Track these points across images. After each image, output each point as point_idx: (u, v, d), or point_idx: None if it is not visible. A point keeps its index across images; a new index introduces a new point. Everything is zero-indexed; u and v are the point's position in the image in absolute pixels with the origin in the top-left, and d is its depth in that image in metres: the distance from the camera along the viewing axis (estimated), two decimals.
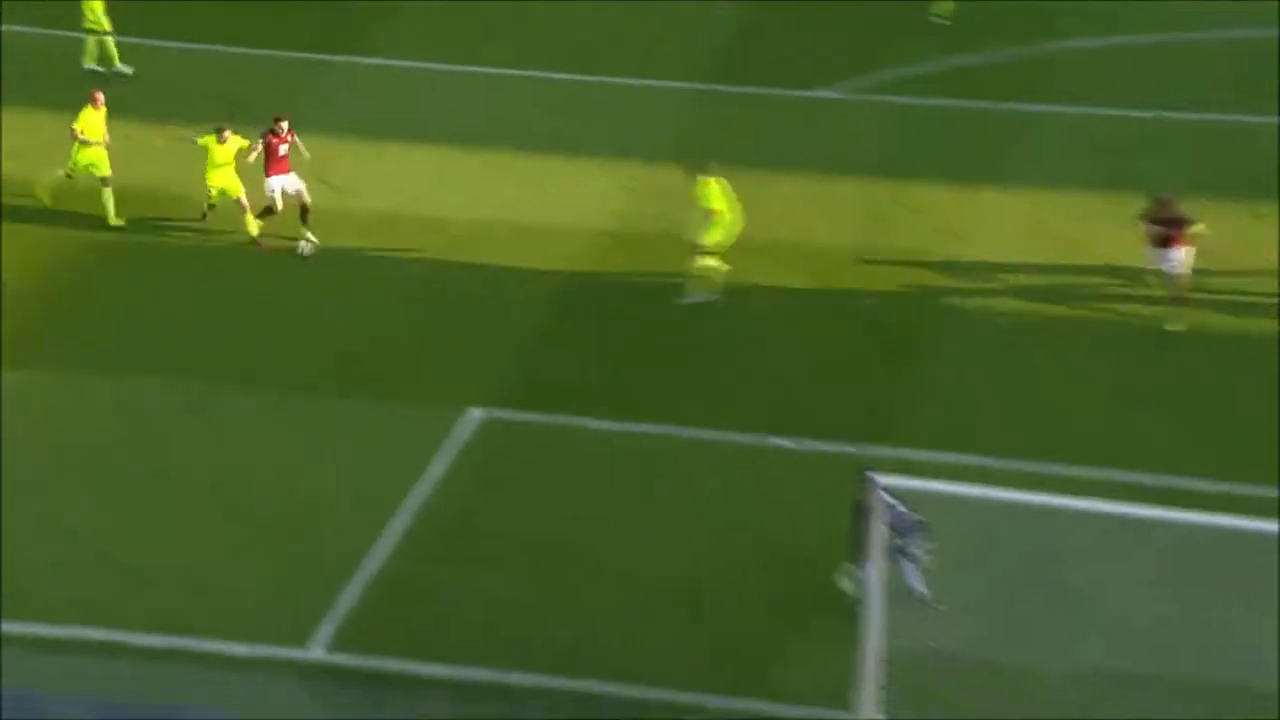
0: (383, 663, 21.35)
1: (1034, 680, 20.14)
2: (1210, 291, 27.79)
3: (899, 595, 20.05)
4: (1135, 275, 28.47)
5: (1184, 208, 27.28)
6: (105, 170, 29.83)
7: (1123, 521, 20.09)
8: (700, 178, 27.93)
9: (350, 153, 31.84)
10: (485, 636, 21.68)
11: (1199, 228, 27.14)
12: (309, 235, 29.18)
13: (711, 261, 27.76)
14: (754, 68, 34.94)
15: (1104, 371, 26.60)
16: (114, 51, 34.40)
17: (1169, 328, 27.18)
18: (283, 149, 29.22)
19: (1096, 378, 26.47)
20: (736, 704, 20.33)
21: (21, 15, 35.66)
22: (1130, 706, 19.58)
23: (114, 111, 30.33)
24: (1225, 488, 23.46)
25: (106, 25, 34.39)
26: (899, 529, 20.85)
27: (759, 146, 32.48)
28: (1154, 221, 27.44)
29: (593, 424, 25.59)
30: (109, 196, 29.80)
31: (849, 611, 20.12)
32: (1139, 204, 28.21)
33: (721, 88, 34.56)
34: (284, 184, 29.21)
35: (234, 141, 29.25)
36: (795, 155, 32.31)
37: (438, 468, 24.66)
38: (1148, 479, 23.57)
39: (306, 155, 29.56)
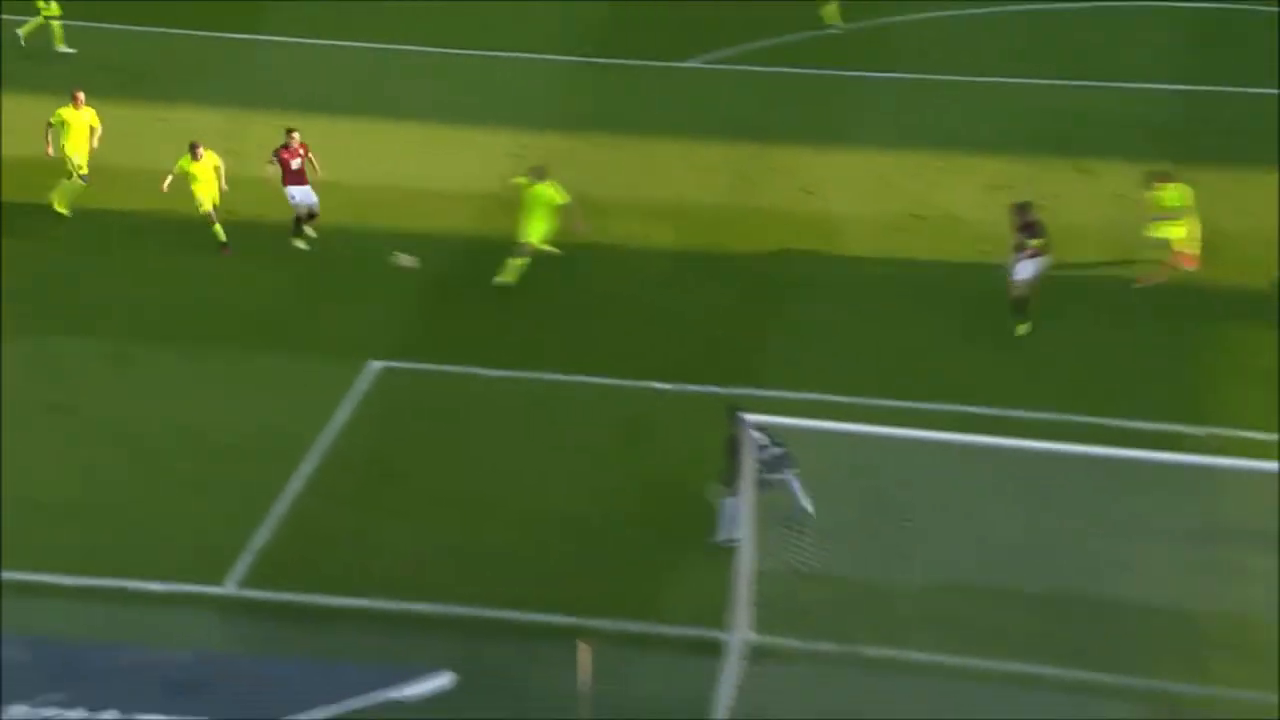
0: (293, 596, 21.25)
1: (889, 594, 20.32)
2: (991, 248, 27.96)
3: (768, 521, 20.21)
4: (974, 225, 28.81)
5: (1037, 216, 26.21)
6: (84, 169, 28.91)
7: (965, 449, 20.44)
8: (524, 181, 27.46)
9: (256, 123, 31.51)
10: (390, 569, 21.58)
11: (1037, 242, 25.97)
12: (309, 231, 28.43)
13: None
14: (627, 41, 34.94)
15: (946, 315, 26.82)
16: (60, 33, 33.94)
17: (1018, 333, 26.01)
18: (295, 163, 28.16)
19: (940, 321, 26.68)
20: (623, 625, 20.41)
21: None
22: (976, 614, 19.87)
23: (33, 88, 29.87)
24: (1054, 416, 23.81)
25: (56, 10, 34.05)
26: (771, 459, 21.01)
27: (633, 115, 32.51)
28: (1018, 229, 26.06)
29: (485, 373, 25.53)
30: (70, 189, 28.92)
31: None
32: (975, 161, 28.55)
33: (598, 60, 34.58)
34: (302, 193, 28.22)
35: (209, 157, 28.00)
36: (666, 122, 32.37)
37: (342, 415, 24.52)
38: (989, 411, 23.82)
39: (319, 172, 28.39)
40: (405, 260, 24.87)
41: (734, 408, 20.70)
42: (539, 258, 27.20)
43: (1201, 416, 23.98)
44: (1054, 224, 28.65)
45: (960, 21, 35.74)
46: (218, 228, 28.05)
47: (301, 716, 16.30)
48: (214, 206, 28.04)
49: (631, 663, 19.81)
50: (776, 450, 21.14)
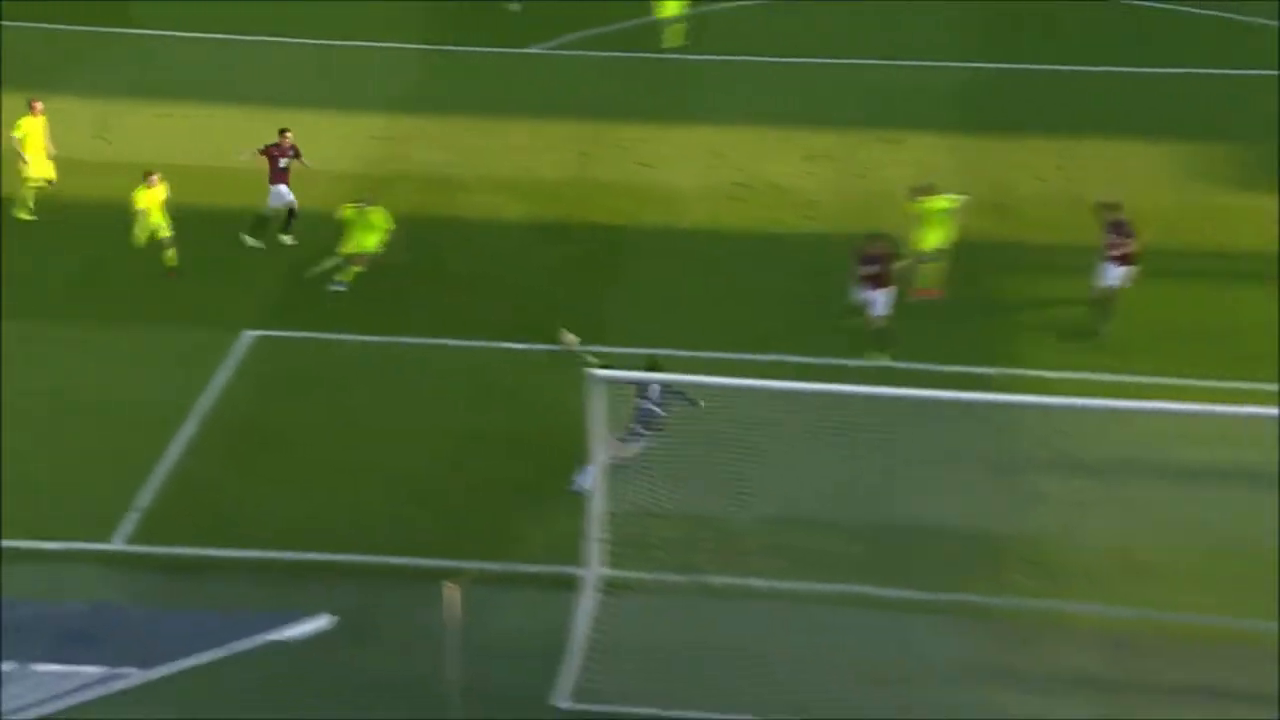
0: (178, 550, 21.01)
1: (731, 528, 20.52)
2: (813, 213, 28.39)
3: (618, 466, 20.35)
4: (796, 193, 29.11)
5: (890, 246, 24.88)
6: (50, 175, 27.52)
7: (792, 395, 20.72)
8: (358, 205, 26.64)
9: (122, 111, 30.93)
10: (268, 523, 21.40)
11: (905, 263, 25.15)
12: (288, 238, 27.52)
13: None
14: (474, 31, 34.75)
15: (773, 276, 27.07)
16: None
17: (868, 360, 24.49)
18: (283, 161, 27.17)
19: (768, 281, 26.94)
20: (488, 565, 20.44)
21: None
22: (807, 543, 20.16)
23: None
24: (874, 364, 24.19)
25: None
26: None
27: (481, 98, 32.36)
28: (863, 260, 24.61)
29: (352, 338, 25.35)
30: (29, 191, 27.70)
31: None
32: (796, 135, 28.84)
33: (449, 47, 34.37)
34: (283, 192, 27.22)
35: (161, 188, 26.43)
36: (513, 104, 32.25)
37: (219, 382, 24.25)
38: (811, 360, 24.10)
39: (310, 165, 27.38)
40: (570, 339, 23.50)
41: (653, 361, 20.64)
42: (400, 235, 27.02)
43: (1000, 360, 24.46)
44: (865, 190, 29.23)
45: (778, 8, 35.95)
46: (171, 253, 26.54)
47: (190, 660, 16.17)
48: (165, 236, 26.46)
49: (497, 600, 19.83)
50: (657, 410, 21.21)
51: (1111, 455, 21.17)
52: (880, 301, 24.51)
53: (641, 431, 21.39)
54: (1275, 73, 32.39)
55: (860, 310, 24.66)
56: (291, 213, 27.35)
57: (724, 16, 35.17)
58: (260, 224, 27.43)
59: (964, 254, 27.02)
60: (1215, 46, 33.32)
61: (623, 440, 20.98)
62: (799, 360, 23.98)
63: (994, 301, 26.10)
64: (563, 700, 18.92)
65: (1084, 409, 20.81)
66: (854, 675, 18.80)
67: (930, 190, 25.64)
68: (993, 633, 19.50)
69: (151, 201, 26.59)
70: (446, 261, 27.24)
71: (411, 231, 27.24)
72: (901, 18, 35.11)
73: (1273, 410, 20.57)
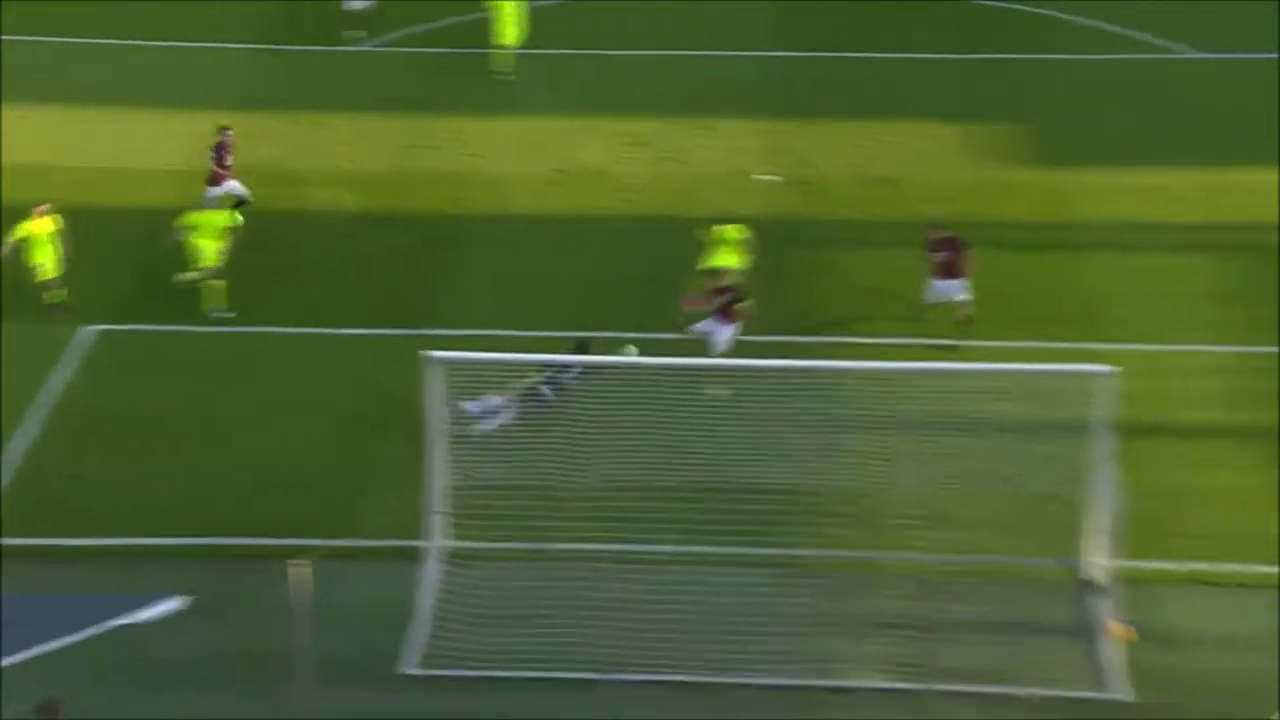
0: (30, 541, 20.35)
1: (564, 495, 20.41)
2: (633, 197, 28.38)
3: (457, 443, 20.16)
4: (616, 177, 29.06)
5: (731, 283, 23.92)
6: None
7: (618, 370, 20.67)
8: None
9: None
10: (119, 509, 20.91)
11: (748, 304, 23.55)
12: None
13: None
14: (300, 30, 34.05)
15: (595, 256, 26.95)
16: None
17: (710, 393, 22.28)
18: (229, 160, 26.53)
19: (590, 261, 26.82)
20: (337, 542, 20.10)
21: None
22: (641, 508, 20.14)
23: None
24: (691, 338, 24.27)
25: None
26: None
27: (312, 94, 31.75)
28: (715, 291, 23.39)
29: (196, 330, 24.78)
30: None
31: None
32: (614, 123, 28.82)
33: (276, 46, 33.63)
34: (234, 185, 26.57)
35: (49, 220, 24.68)
36: (343, 100, 31.68)
37: (62, 376, 23.53)
38: (636, 335, 24.04)
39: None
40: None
41: (422, 347, 20.39)
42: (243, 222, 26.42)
43: (812, 328, 24.68)
44: (682, 174, 29.27)
45: (590, 5, 35.76)
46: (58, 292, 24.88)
47: (45, 647, 15.70)
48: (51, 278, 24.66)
49: (347, 575, 19.57)
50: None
51: (916, 413, 21.49)
52: (722, 337, 23.17)
53: (521, 406, 21.14)
54: (1057, 56, 33.07)
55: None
56: (241, 202, 26.78)
57: (541, 12, 34.86)
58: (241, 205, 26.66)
59: (775, 230, 27.25)
60: (1000, 34, 33.86)
61: (494, 408, 20.68)
62: (627, 336, 23.91)
63: (804, 274, 26.30)
64: (411, 667, 18.71)
65: (888, 371, 21.12)
66: (687, 629, 18.89)
67: (724, 220, 25.05)
68: (814, 583, 19.68)
69: (38, 232, 24.69)
70: (285, 252, 26.72)
71: (253, 226, 26.61)
72: (708, 11, 35.11)
73: (1057, 366, 21.12)
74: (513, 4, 32.23)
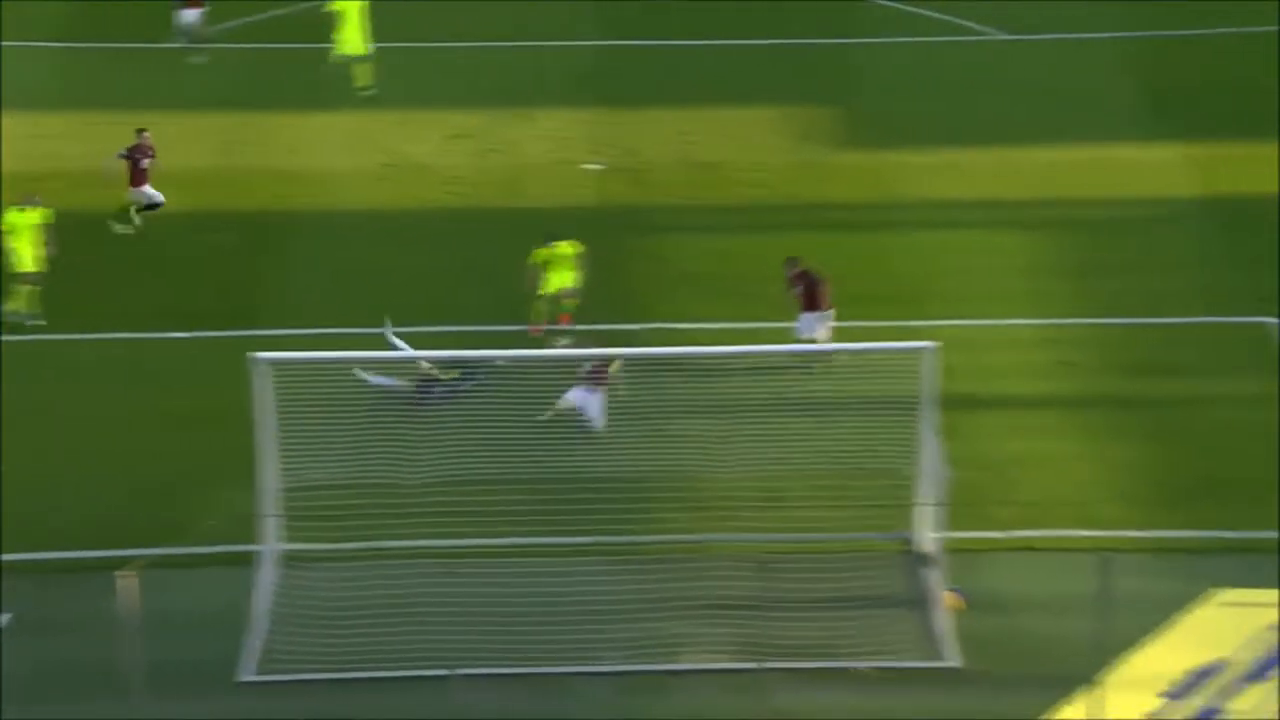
0: None
1: (399, 492, 20.29)
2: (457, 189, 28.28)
3: (288, 444, 19.88)
4: (440, 170, 28.85)
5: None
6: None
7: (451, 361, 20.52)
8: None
9: None
10: None
11: (614, 366, 22.18)
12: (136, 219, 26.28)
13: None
14: (107, 28, 33.22)
15: (422, 250, 26.73)
16: None
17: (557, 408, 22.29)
18: (145, 162, 25.90)
19: (418, 255, 26.60)
20: (168, 550, 19.69)
21: None
22: (477, 501, 20.05)
23: None
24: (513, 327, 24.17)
25: None
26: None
27: (126, 94, 30.98)
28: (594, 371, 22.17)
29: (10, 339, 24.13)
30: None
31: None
32: (438, 116, 28.70)
33: (87, 45, 32.80)
34: (148, 190, 26.01)
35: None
36: (158, 98, 30.95)
37: None
38: (468, 328, 23.89)
39: (161, 166, 26.44)
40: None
41: (248, 349, 20.06)
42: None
43: (640, 315, 24.75)
44: (505, 164, 29.16)
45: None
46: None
47: None
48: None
49: (181, 581, 19.19)
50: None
51: (744, 395, 21.71)
52: (593, 409, 22.11)
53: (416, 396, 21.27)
54: (873, 40, 33.57)
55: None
56: (152, 206, 26.29)
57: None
58: (125, 211, 26.29)
59: (602, 218, 27.32)
60: (817, 18, 34.24)
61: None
62: (456, 329, 23.79)
63: (630, 260, 26.39)
64: (246, 674, 18.41)
65: (716, 355, 21.31)
66: (527, 621, 18.85)
67: (556, 236, 24.36)
68: (650, 569, 19.78)
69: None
70: (105, 254, 26.03)
71: (71, 227, 25.91)
72: (526, 2, 35.01)
73: (882, 344, 21.50)
74: (358, 4, 30.79)
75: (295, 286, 25.73)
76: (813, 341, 22.11)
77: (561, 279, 24.09)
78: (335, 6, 30.71)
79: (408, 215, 27.77)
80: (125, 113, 30.07)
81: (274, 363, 19.59)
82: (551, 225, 25.71)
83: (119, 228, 26.46)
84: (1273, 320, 24.45)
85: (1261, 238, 26.60)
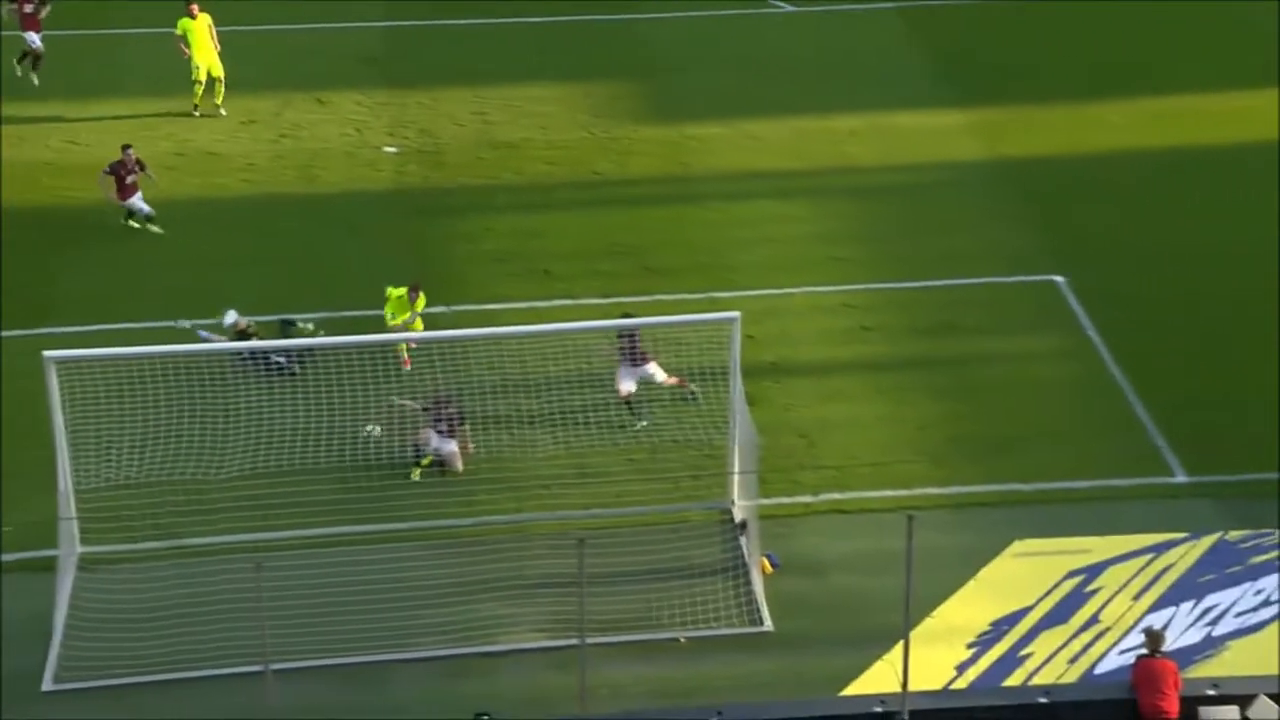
0: None
1: (206, 487, 19.88)
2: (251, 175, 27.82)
3: (85, 444, 19.22)
4: (231, 158, 28.18)
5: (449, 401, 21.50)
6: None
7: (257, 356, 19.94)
8: None
9: None
10: None
11: (466, 428, 21.04)
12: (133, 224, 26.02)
13: None
14: None
15: (215, 239, 26.06)
16: None
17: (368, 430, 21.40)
18: (130, 178, 25.52)
19: (213, 244, 25.95)
20: None
21: None
22: (277, 493, 19.65)
23: None
24: (350, 314, 23.79)
25: None
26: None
27: None
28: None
29: None
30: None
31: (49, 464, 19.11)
32: (228, 103, 27.95)
33: None
34: (136, 201, 25.79)
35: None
36: None
37: None
38: (262, 318, 23.37)
39: (155, 179, 26.36)
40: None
41: (39, 348, 19.31)
42: None
43: (448, 298, 24.49)
44: (298, 149, 28.57)
45: None
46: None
47: None
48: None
49: None
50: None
51: (555, 372, 21.64)
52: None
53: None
54: (666, 15, 33.66)
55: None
56: (150, 218, 25.97)
57: None
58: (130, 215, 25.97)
59: (401, 201, 26.96)
60: None
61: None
62: (258, 319, 23.26)
63: (431, 243, 26.10)
64: (47, 683, 17.79)
65: (523, 335, 21.19)
66: (342, 611, 18.53)
67: (419, 288, 22.81)
68: (466, 551, 19.61)
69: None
70: None
71: None
72: None
73: (686, 316, 21.61)
74: (202, 24, 29.14)
75: (85, 282, 24.87)
76: (625, 393, 21.52)
77: (401, 316, 22.43)
78: (183, 27, 29.17)
79: (200, 204, 27.02)
80: None
81: (66, 360, 18.94)
82: (350, 210, 25.36)
83: (133, 224, 26.19)
84: (1060, 278, 25.19)
85: (1047, 199, 27.38)
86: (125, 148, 26.25)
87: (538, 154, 28.55)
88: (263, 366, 21.65)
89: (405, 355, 22.16)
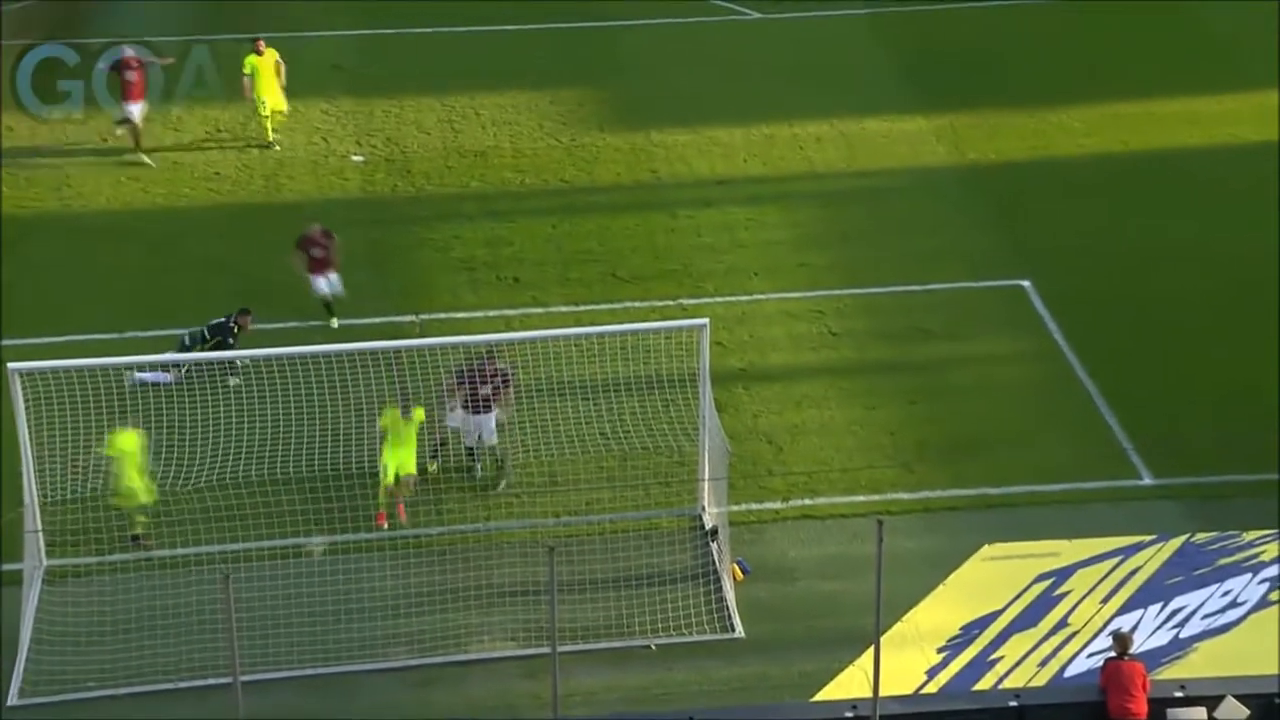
0: None
1: (172, 498, 19.74)
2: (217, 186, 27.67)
3: (48, 456, 19.07)
4: (196, 167, 28.02)
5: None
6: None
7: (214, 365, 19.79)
8: None
9: None
10: None
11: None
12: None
13: None
14: None
15: (181, 249, 25.93)
16: None
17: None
18: (130, 75, 26.06)
19: (177, 254, 25.79)
20: None
21: None
22: (247, 503, 19.55)
23: None
24: (294, 325, 23.66)
25: None
26: None
27: None
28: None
29: None
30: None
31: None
32: (194, 112, 27.80)
33: None
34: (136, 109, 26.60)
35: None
36: None
37: None
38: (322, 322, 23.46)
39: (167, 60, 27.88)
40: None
41: None
42: None
43: (414, 306, 24.42)
44: (265, 158, 28.38)
45: None
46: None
47: None
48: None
49: None
50: None
51: (524, 380, 21.57)
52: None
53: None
54: (636, 22, 33.66)
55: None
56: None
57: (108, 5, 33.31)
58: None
59: (368, 210, 26.86)
60: (572, 2, 34.21)
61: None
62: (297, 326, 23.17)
63: (398, 252, 26.01)
64: (13, 698, 17.63)
65: (493, 343, 21.10)
66: (309, 622, 18.41)
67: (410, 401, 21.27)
68: (435, 561, 19.52)
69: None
70: None
71: None
72: None
73: (655, 324, 21.58)
74: (269, 60, 28.25)
75: (45, 293, 24.67)
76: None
77: (404, 461, 20.16)
78: (250, 65, 28.37)
79: (164, 215, 26.86)
80: None
81: (29, 372, 18.78)
82: (317, 218, 25.15)
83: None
84: (1026, 282, 25.27)
85: (1012, 203, 27.47)
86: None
87: (505, 162, 28.49)
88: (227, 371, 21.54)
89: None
